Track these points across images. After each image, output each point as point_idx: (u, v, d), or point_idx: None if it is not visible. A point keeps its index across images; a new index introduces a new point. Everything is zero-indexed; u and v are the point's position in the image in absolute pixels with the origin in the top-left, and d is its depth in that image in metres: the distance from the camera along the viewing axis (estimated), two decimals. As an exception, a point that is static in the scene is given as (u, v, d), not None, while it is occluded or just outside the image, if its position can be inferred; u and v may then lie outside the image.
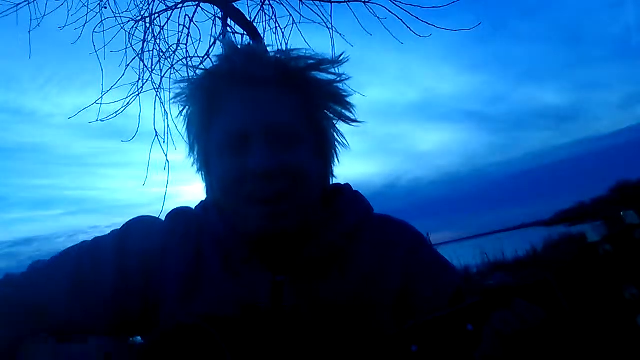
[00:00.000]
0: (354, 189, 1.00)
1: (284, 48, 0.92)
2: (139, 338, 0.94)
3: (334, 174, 0.97)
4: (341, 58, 0.91)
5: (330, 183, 0.98)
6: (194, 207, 1.00)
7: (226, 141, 0.86)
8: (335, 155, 0.95)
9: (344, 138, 0.95)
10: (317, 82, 0.89)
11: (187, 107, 0.92)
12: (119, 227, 0.97)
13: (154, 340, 0.81)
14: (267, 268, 0.88)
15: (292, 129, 0.86)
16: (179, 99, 0.92)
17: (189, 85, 0.92)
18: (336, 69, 0.90)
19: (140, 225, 0.97)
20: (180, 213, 0.98)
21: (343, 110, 0.92)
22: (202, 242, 0.93)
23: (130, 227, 0.96)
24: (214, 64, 0.91)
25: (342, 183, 1.01)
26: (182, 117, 0.93)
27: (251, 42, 0.94)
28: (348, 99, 0.92)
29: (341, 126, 0.95)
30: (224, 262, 0.90)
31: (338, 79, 0.90)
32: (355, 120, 0.94)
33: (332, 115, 0.92)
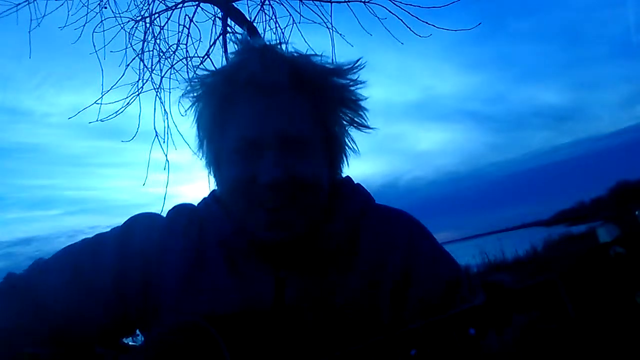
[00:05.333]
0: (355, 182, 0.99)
1: (297, 51, 0.90)
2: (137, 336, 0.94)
3: (342, 172, 0.96)
4: (358, 64, 0.90)
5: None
6: (195, 204, 0.99)
7: (238, 147, 0.85)
8: (345, 160, 0.95)
9: (355, 143, 0.95)
10: (331, 88, 0.89)
11: (198, 106, 0.91)
12: (121, 224, 0.96)
13: (152, 338, 0.81)
14: (270, 264, 0.88)
15: (304, 137, 0.85)
16: (189, 96, 0.91)
17: (202, 87, 0.90)
18: (351, 74, 0.89)
19: (142, 222, 0.96)
20: (181, 210, 0.98)
21: (355, 117, 0.92)
22: (204, 239, 0.93)
23: (132, 224, 0.96)
24: (230, 65, 0.89)
25: (343, 176, 0.99)
26: (191, 114, 0.92)
27: (266, 43, 0.92)
28: (360, 104, 0.91)
29: (352, 131, 0.94)
30: (226, 260, 0.90)
31: (352, 83, 0.90)
32: (366, 127, 0.93)
33: (344, 121, 0.92)
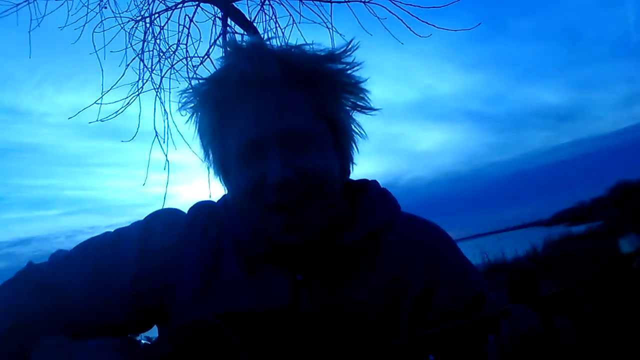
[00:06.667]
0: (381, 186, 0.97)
1: (288, 44, 0.88)
2: (143, 334, 0.93)
3: (354, 161, 0.93)
4: (350, 46, 0.86)
5: (351, 170, 0.94)
6: (216, 200, 0.98)
7: (241, 151, 0.83)
8: (354, 147, 0.92)
9: (361, 128, 0.92)
10: (326, 75, 0.85)
11: (196, 116, 0.90)
12: (143, 219, 0.96)
13: (165, 336, 0.80)
14: (287, 268, 0.86)
15: (306, 131, 0.82)
16: (186, 107, 0.90)
17: (197, 96, 0.88)
18: (346, 58, 0.86)
19: (163, 219, 0.95)
20: (202, 208, 0.96)
21: (357, 100, 0.89)
22: (222, 239, 0.91)
23: (153, 220, 0.95)
24: (220, 69, 0.87)
25: (370, 179, 0.98)
26: (191, 125, 0.91)
27: (254, 41, 0.90)
28: (361, 87, 0.88)
29: (357, 116, 0.91)
30: (242, 262, 0.88)
31: (348, 67, 0.86)
32: (370, 108, 0.90)
33: (346, 107, 0.89)
